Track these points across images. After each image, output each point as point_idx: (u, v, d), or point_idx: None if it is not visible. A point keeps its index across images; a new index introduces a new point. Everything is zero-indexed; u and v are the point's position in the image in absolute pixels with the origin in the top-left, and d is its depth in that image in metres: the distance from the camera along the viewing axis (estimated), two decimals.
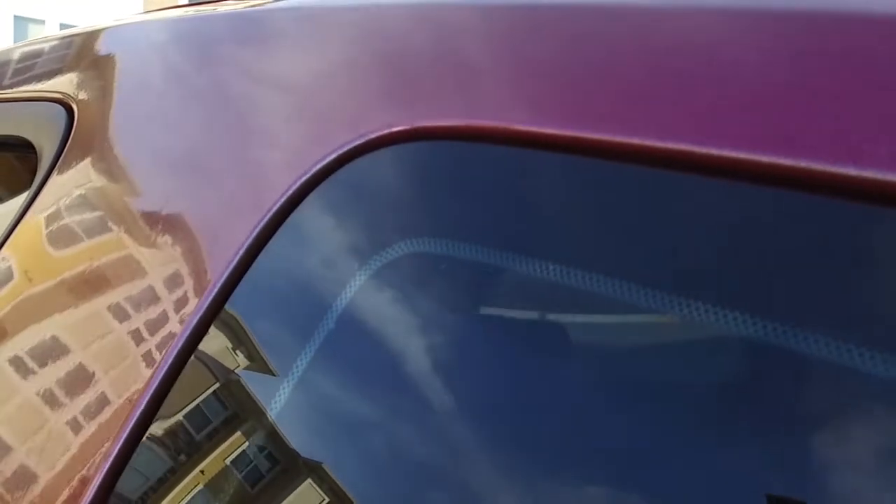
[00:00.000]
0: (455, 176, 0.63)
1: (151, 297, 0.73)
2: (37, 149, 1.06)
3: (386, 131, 0.66)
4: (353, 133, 0.66)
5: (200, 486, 0.68)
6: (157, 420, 0.71)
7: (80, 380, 0.78)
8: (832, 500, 0.44)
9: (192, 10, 1.05)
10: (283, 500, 0.63)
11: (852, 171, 0.45)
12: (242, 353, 0.69)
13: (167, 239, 0.76)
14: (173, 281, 0.72)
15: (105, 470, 0.72)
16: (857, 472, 0.45)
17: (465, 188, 0.62)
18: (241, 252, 0.66)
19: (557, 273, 0.56)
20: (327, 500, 0.60)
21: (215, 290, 0.67)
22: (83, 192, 0.89)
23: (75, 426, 0.76)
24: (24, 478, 0.80)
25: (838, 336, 0.45)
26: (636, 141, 0.53)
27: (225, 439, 0.70)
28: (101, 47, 1.11)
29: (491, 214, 0.60)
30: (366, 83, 0.70)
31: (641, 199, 0.55)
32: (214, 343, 0.68)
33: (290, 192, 0.66)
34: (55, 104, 1.07)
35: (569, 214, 0.58)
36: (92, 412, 0.73)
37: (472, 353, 0.61)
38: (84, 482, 0.72)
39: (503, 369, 0.61)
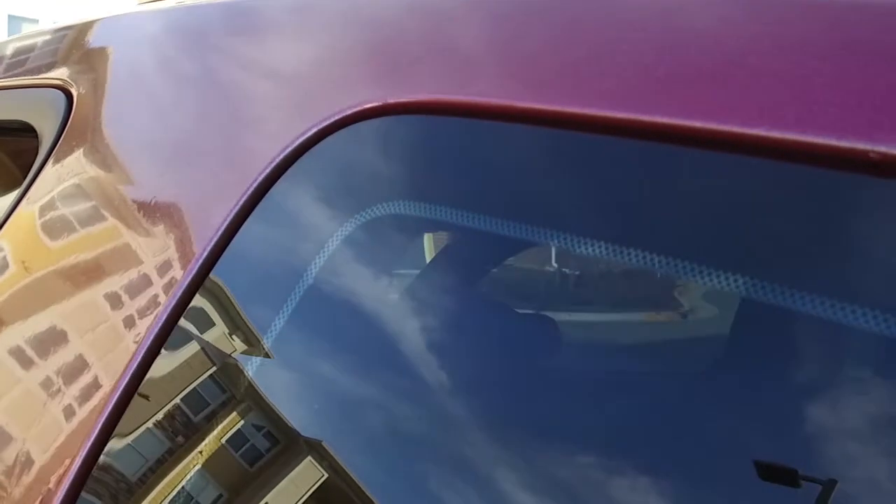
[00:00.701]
0: (422, 146, 0.69)
1: (142, 268, 0.80)
2: (38, 132, 1.12)
3: (359, 108, 0.72)
4: (329, 111, 0.73)
5: (183, 441, 0.75)
6: (145, 382, 0.77)
7: (63, 344, 0.85)
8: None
9: (182, 2, 1.11)
10: (268, 453, 0.70)
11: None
12: (225, 316, 0.75)
13: (158, 215, 0.82)
14: (162, 253, 0.78)
15: (97, 431, 0.78)
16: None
17: (432, 157, 0.69)
18: (227, 223, 0.73)
19: (518, 230, 0.63)
20: (310, 453, 0.67)
21: (201, 259, 0.73)
22: (80, 172, 0.95)
23: (66, 390, 0.82)
24: (4, 437, 0.86)
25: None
26: (582, 110, 0.59)
27: (210, 396, 0.76)
28: (98, 36, 1.17)
29: (457, 179, 0.67)
30: (341, 66, 0.76)
31: (587, 161, 0.61)
32: (200, 307, 0.74)
33: (272, 166, 0.72)
34: (55, 90, 1.13)
35: (524, 177, 0.64)
36: (83, 374, 0.80)
37: (442, 310, 0.67)
38: (72, 449, 0.79)
39: (470, 323, 0.67)
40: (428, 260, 0.69)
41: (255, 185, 0.72)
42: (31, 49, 1.34)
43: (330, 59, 0.78)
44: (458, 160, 0.67)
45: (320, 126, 0.72)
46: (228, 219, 0.72)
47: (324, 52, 0.80)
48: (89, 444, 0.78)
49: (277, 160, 0.72)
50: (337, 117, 0.72)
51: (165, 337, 0.73)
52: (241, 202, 0.72)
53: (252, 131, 0.79)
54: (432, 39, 0.72)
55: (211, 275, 0.72)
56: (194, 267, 0.73)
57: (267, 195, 0.72)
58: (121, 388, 0.74)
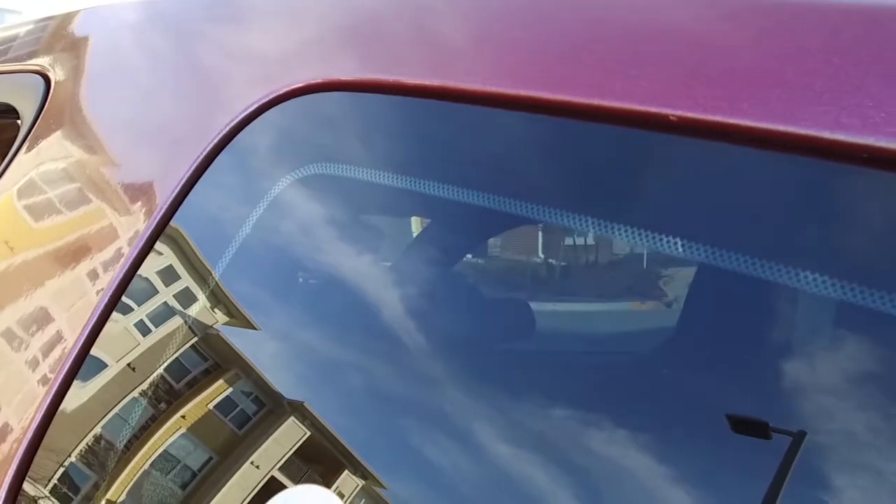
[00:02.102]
0: (357, 119, 0.80)
1: (108, 224, 0.91)
2: (20, 113, 1.22)
3: (303, 84, 0.83)
4: (277, 85, 0.84)
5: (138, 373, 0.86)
6: (116, 310, 0.88)
7: (29, 298, 0.95)
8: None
9: None
10: (206, 377, 0.81)
11: None
12: (183, 258, 0.87)
13: (125, 175, 0.94)
14: (127, 213, 0.89)
15: (65, 369, 0.89)
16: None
17: (365, 128, 0.80)
18: (184, 180, 0.84)
19: (429, 187, 0.74)
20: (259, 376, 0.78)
21: (162, 210, 0.84)
22: (55, 144, 1.06)
23: (39, 331, 0.93)
24: None
25: None
26: (493, 89, 0.71)
27: (169, 317, 0.87)
28: (76, 25, 1.28)
29: (387, 147, 0.78)
30: (287, 46, 0.87)
31: (494, 134, 0.72)
32: (161, 253, 0.86)
33: (224, 132, 0.84)
34: (36, 75, 1.24)
35: (438, 145, 0.76)
36: (60, 309, 0.91)
37: (367, 256, 0.79)
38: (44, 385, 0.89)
39: (389, 272, 0.78)
40: (356, 210, 0.81)
41: (207, 149, 0.83)
42: (13, 38, 1.44)
43: (278, 42, 0.89)
44: (384, 130, 0.79)
45: (267, 98, 0.83)
46: (185, 177, 0.84)
47: (273, 35, 0.91)
48: (53, 392, 0.88)
49: (227, 128, 0.83)
50: (281, 91, 0.83)
51: (126, 284, 0.84)
52: (196, 162, 0.83)
53: (207, 104, 0.90)
54: (366, 28, 0.83)
55: (171, 223, 0.84)
56: (156, 218, 0.84)
57: (217, 158, 0.83)
58: (86, 333, 0.85)
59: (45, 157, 1.09)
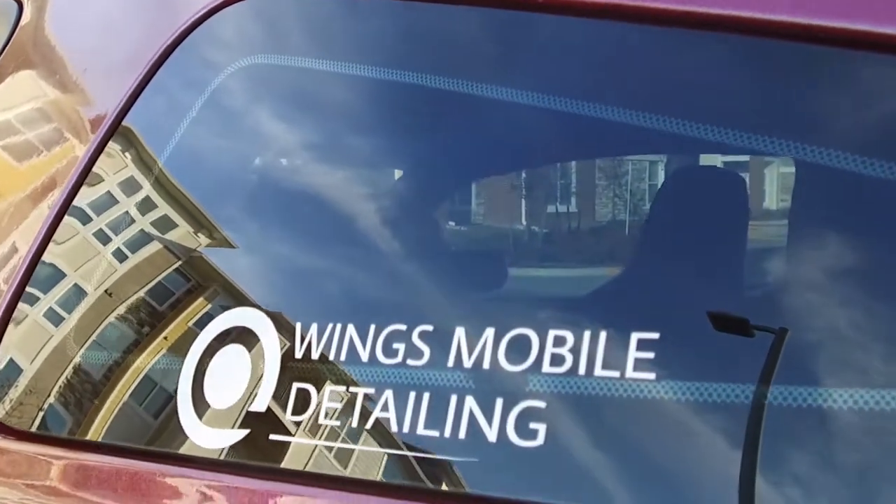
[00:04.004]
0: (292, 21, 0.85)
1: (65, 123, 0.97)
2: None
3: None
4: None
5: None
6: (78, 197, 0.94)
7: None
8: None
9: None
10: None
11: None
12: (138, 151, 0.92)
13: (87, 84, 1.00)
14: (81, 110, 0.95)
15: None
16: None
17: (297, 28, 0.85)
18: (140, 77, 0.89)
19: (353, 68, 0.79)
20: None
21: (118, 108, 0.90)
22: (22, 55, 1.12)
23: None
24: None
25: None
26: None
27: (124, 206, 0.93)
28: None
29: (319, 39, 0.83)
30: None
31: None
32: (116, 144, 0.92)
33: (174, 35, 0.89)
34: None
35: (353, 40, 0.81)
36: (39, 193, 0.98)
37: (303, 140, 0.84)
38: None
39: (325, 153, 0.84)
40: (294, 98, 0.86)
41: (158, 53, 0.88)
42: None
43: None
44: (320, 27, 0.84)
45: (213, 5, 0.88)
46: (141, 75, 0.89)
47: None
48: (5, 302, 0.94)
49: (177, 33, 0.88)
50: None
51: (80, 185, 0.90)
52: (150, 64, 0.88)
53: (157, 14, 0.95)
54: None
55: (123, 122, 0.89)
56: (112, 115, 0.90)
57: (168, 59, 0.88)
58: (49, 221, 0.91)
59: (12, 62, 1.15)
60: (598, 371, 0.58)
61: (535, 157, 0.83)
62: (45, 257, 0.92)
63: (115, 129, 0.90)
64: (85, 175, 0.90)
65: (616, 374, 0.57)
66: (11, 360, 0.94)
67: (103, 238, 0.91)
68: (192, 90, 0.88)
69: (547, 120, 0.70)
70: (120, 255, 0.89)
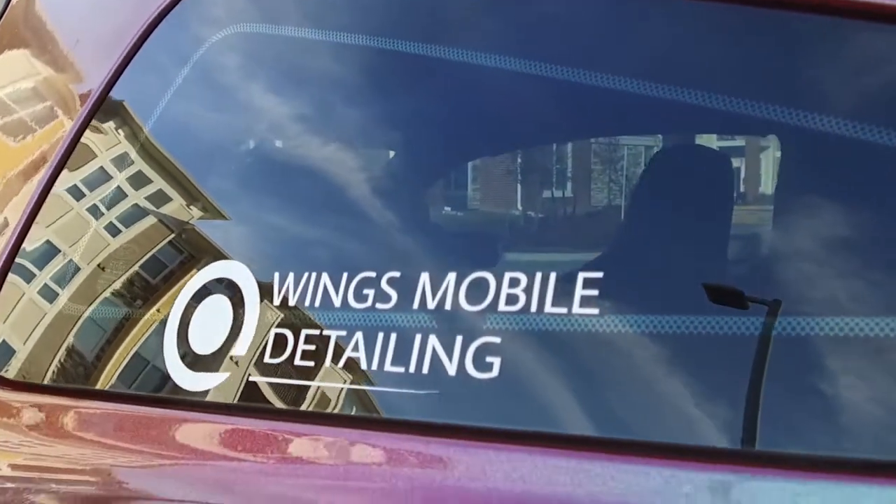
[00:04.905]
0: None
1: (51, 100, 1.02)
2: None
3: None
4: None
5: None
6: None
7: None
8: None
9: None
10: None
11: None
12: (129, 127, 0.97)
13: (75, 55, 1.05)
14: (71, 84, 1.00)
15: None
16: None
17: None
18: (128, 48, 0.94)
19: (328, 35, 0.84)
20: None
21: (105, 81, 0.94)
22: (13, 27, 1.17)
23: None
24: None
25: None
26: None
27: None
28: None
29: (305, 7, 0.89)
30: None
31: None
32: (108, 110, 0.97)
33: (156, 13, 0.94)
34: None
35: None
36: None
37: (283, 105, 0.90)
38: None
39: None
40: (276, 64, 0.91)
41: (143, 27, 0.94)
42: None
43: None
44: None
45: None
46: (124, 53, 0.94)
47: None
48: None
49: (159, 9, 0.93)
50: None
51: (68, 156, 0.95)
52: (137, 36, 0.93)
53: None
54: None
55: (110, 94, 0.94)
56: (103, 82, 0.95)
57: (154, 32, 0.93)
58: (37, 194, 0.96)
59: (6, 38, 1.19)
60: (548, 308, 0.63)
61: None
62: (33, 229, 0.97)
63: (103, 102, 0.95)
64: (73, 146, 0.95)
65: (564, 310, 0.63)
66: None
67: (79, 196, 0.96)
68: (178, 61, 0.93)
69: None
70: (100, 215, 0.94)
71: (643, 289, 0.63)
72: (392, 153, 0.89)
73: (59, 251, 0.97)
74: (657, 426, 0.59)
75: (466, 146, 0.89)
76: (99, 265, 0.92)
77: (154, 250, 0.90)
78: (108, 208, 0.93)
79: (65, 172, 0.96)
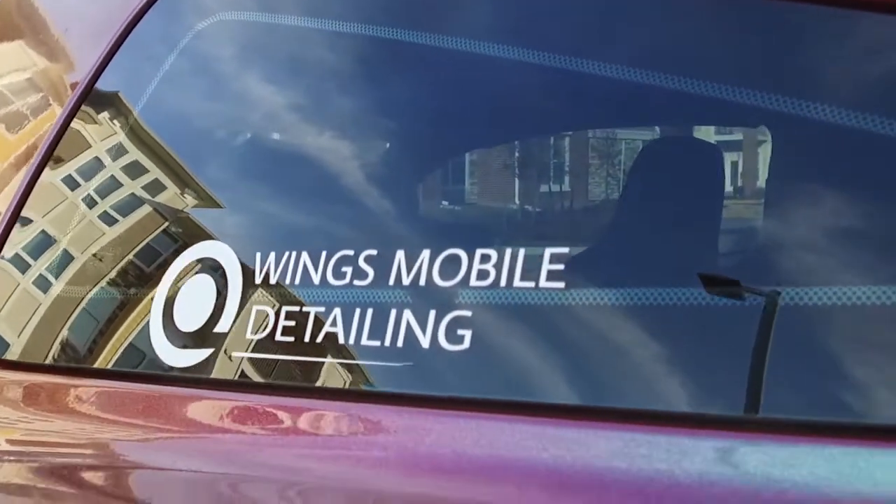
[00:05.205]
0: None
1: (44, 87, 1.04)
2: None
3: None
4: None
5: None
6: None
7: None
8: None
9: None
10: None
11: None
12: (119, 113, 1.00)
13: (65, 43, 1.08)
14: (62, 71, 1.03)
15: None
16: None
17: None
18: (116, 35, 0.97)
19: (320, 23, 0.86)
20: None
21: (95, 67, 0.97)
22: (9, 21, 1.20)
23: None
24: None
25: None
26: None
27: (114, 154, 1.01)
28: None
29: None
30: None
31: None
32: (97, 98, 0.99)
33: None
34: None
35: None
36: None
37: (269, 89, 0.92)
38: None
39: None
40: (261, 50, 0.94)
41: (132, 14, 0.96)
42: None
43: None
44: None
45: None
46: (115, 36, 0.96)
47: None
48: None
49: None
50: None
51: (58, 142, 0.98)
52: (125, 23, 0.96)
53: None
54: None
55: (99, 80, 0.97)
56: (92, 70, 0.98)
57: (142, 19, 0.96)
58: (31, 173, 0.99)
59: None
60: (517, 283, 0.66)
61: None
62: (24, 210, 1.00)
63: (92, 88, 0.97)
64: (63, 131, 0.97)
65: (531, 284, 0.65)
66: None
67: (72, 183, 0.99)
68: (166, 48, 0.96)
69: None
70: (90, 201, 0.97)
71: (618, 268, 0.66)
72: (378, 140, 0.91)
73: (51, 237, 1.00)
74: (616, 394, 0.62)
75: (442, 124, 0.90)
76: (88, 251, 0.95)
77: (143, 233, 0.93)
78: (102, 197, 0.96)
79: (54, 159, 0.98)
